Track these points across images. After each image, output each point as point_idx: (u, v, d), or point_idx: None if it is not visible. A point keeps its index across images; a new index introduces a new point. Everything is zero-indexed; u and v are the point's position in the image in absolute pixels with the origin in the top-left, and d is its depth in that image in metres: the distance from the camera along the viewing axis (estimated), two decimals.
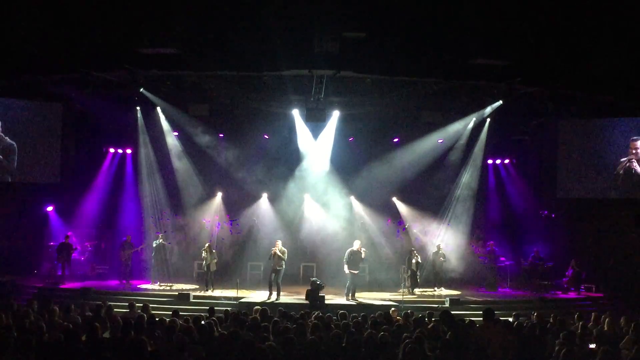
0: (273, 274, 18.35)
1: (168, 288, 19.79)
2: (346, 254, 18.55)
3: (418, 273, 20.00)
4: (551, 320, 12.37)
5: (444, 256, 21.13)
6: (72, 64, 17.27)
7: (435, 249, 21.36)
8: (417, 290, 20.03)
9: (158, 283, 20.26)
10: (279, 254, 18.39)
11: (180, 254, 22.99)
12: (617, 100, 20.15)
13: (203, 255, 19.69)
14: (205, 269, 19.61)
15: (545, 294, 20.03)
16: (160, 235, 21.04)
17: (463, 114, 22.03)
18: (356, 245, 18.61)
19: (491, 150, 23.48)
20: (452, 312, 16.23)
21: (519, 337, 9.98)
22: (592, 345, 10.05)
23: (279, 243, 18.79)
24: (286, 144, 23.14)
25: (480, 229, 23.78)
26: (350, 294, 18.35)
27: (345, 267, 18.42)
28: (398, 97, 20.59)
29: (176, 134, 22.95)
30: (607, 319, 11.94)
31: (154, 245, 20.62)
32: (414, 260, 19.88)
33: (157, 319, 10.95)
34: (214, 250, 20.05)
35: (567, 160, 22.68)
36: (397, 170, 23.18)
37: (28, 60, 16.96)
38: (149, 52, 16.59)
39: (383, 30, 15.45)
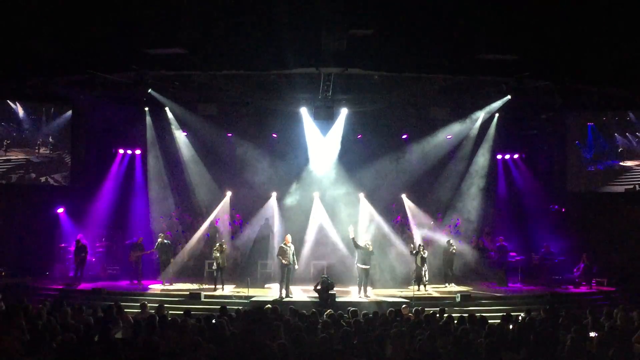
0: (285, 271, 18.29)
1: (179, 287, 19.84)
2: (356, 251, 18.57)
3: (423, 269, 19.90)
4: (563, 315, 12.32)
5: (454, 251, 21.08)
6: (80, 66, 17.32)
7: (445, 245, 21.32)
8: (427, 287, 19.92)
9: (169, 283, 20.30)
10: (288, 249, 18.36)
11: (190, 253, 23.04)
12: (627, 93, 20.03)
13: (215, 254, 19.63)
14: (216, 267, 19.53)
15: (557, 289, 19.96)
16: (160, 235, 21.07)
17: (472, 109, 21.96)
18: (362, 240, 18.60)
19: (500, 145, 23.43)
20: (464, 308, 16.47)
21: (532, 333, 9.94)
22: (593, 334, 10.06)
23: (289, 238, 18.76)
24: (295, 143, 23.13)
25: (490, 225, 23.73)
26: (363, 291, 18.34)
27: (356, 263, 18.43)
28: (406, 93, 20.56)
29: (185, 133, 23.01)
30: (619, 313, 11.88)
31: (157, 245, 20.70)
32: (418, 256, 19.80)
33: (169, 319, 10.98)
34: (224, 248, 19.96)
35: (578, 154, 22.68)
36: (406, 166, 23.24)
37: (36, 63, 17.02)
38: (156, 52, 16.61)
39: (390, 26, 15.42)
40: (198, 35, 15.76)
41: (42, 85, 20.01)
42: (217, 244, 19.91)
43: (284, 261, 18.17)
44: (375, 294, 18.69)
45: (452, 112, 21.68)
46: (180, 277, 21.38)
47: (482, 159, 23.07)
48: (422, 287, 19.48)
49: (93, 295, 17.98)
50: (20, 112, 21.67)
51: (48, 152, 22.22)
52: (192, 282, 20.97)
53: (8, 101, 21.47)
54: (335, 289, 17.34)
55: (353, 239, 18.43)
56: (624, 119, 22.02)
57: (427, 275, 19.96)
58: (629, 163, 21.98)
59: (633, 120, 21.84)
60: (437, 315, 12.54)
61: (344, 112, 21.68)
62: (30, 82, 19.71)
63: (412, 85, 20.02)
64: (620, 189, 22.10)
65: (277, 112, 22.25)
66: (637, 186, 21.81)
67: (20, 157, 21.88)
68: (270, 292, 19.05)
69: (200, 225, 23.36)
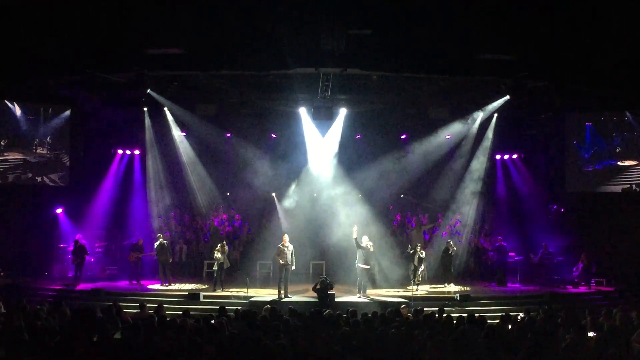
0: (283, 271, 18.23)
1: (178, 287, 19.82)
2: (357, 250, 18.54)
3: (420, 268, 19.90)
4: (562, 315, 12.33)
5: (454, 252, 21.10)
6: (80, 66, 17.30)
7: (444, 245, 21.33)
8: (421, 287, 19.87)
9: (167, 283, 20.29)
10: (285, 249, 18.34)
11: (190, 253, 23.05)
12: (625, 93, 20.05)
13: (216, 255, 19.51)
14: (217, 268, 19.42)
15: (556, 289, 19.96)
16: (159, 235, 21.04)
17: (471, 109, 21.98)
18: (364, 240, 18.60)
19: (499, 145, 23.44)
20: (463, 308, 16.47)
21: (530, 333, 9.95)
22: (591, 334, 10.08)
23: (286, 238, 18.71)
24: (294, 143, 23.14)
25: (489, 224, 23.75)
26: (362, 290, 18.34)
27: (357, 263, 18.44)
28: (405, 93, 20.58)
29: (184, 134, 23.01)
30: (618, 313, 11.88)
31: (155, 245, 20.70)
32: (415, 256, 19.81)
33: (167, 319, 10.97)
34: (226, 248, 19.91)
35: (576, 154, 22.72)
36: (405, 166, 23.26)
37: (35, 63, 17.00)
38: (155, 52, 16.60)
39: (389, 26, 15.43)
40: (197, 35, 15.76)
41: (41, 85, 20.00)
42: (219, 245, 19.84)
43: (281, 261, 18.16)
44: (374, 294, 18.68)
45: (451, 112, 21.69)
46: (180, 277, 21.39)
47: (480, 159, 23.08)
48: (417, 286, 19.46)
49: (92, 295, 17.97)
50: (18, 112, 21.67)
51: (45, 152, 22.23)
52: (191, 282, 20.98)
53: (6, 101, 21.47)
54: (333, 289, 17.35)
55: (355, 239, 18.42)
56: (622, 119, 22.07)
57: (421, 276, 19.95)
58: (626, 163, 22.04)
59: (630, 120, 21.91)
60: (436, 315, 12.53)
61: (343, 112, 21.69)
62: (29, 83, 19.69)
63: (411, 86, 20.04)
64: (618, 188, 22.16)
65: (276, 112, 22.26)
66: (633, 185, 21.87)
67: (17, 157, 21.88)
68: (269, 292, 18.98)
69: (200, 225, 23.40)
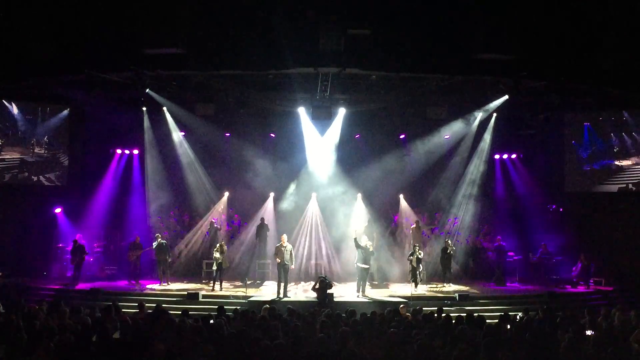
0: (281, 270, 18.26)
1: (176, 287, 19.80)
2: (357, 250, 18.53)
3: (419, 269, 19.88)
4: (561, 315, 12.34)
5: (453, 251, 21.08)
6: (78, 65, 17.29)
7: (443, 245, 21.31)
8: (420, 287, 19.85)
9: (166, 283, 20.27)
10: (283, 249, 18.35)
11: (188, 253, 23.02)
12: (624, 93, 20.06)
13: (215, 255, 19.49)
14: (216, 268, 19.40)
15: (555, 289, 19.96)
16: (157, 235, 20.98)
17: (469, 109, 21.96)
18: (364, 240, 18.60)
19: (498, 145, 23.40)
20: (462, 308, 16.49)
21: (529, 332, 9.96)
22: (589, 332, 10.10)
23: (285, 238, 18.73)
24: (292, 143, 23.12)
25: (488, 224, 23.73)
26: (361, 290, 18.34)
27: (356, 263, 18.44)
28: (404, 93, 20.56)
29: (183, 134, 22.98)
30: (617, 313, 11.89)
31: (154, 245, 20.66)
32: (414, 257, 19.79)
33: (166, 319, 10.97)
34: (224, 248, 19.86)
35: (574, 154, 22.73)
36: (404, 166, 23.26)
37: (34, 63, 17.00)
38: (154, 52, 16.58)
39: (388, 26, 15.45)
40: (196, 35, 15.76)
41: (40, 85, 19.97)
42: (217, 245, 19.81)
43: (278, 260, 18.19)
44: (373, 294, 18.68)
45: (450, 112, 21.66)
46: (178, 277, 21.37)
47: (479, 158, 23.07)
48: (416, 286, 19.46)
49: (91, 295, 17.95)
50: (16, 111, 21.65)
51: (43, 151, 22.20)
52: (190, 282, 20.96)
53: (3, 100, 21.44)
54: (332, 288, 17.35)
55: (355, 238, 18.43)
56: (620, 118, 22.08)
57: (421, 275, 19.93)
58: (624, 162, 22.05)
59: (628, 120, 21.92)
60: (435, 315, 12.54)
61: (341, 112, 21.66)
62: (27, 82, 19.66)
63: (409, 85, 20.01)
64: (615, 188, 22.16)
65: (275, 112, 22.22)
66: (630, 185, 21.89)
67: (15, 156, 21.85)
68: (268, 292, 18.99)
69: (198, 225, 23.36)
